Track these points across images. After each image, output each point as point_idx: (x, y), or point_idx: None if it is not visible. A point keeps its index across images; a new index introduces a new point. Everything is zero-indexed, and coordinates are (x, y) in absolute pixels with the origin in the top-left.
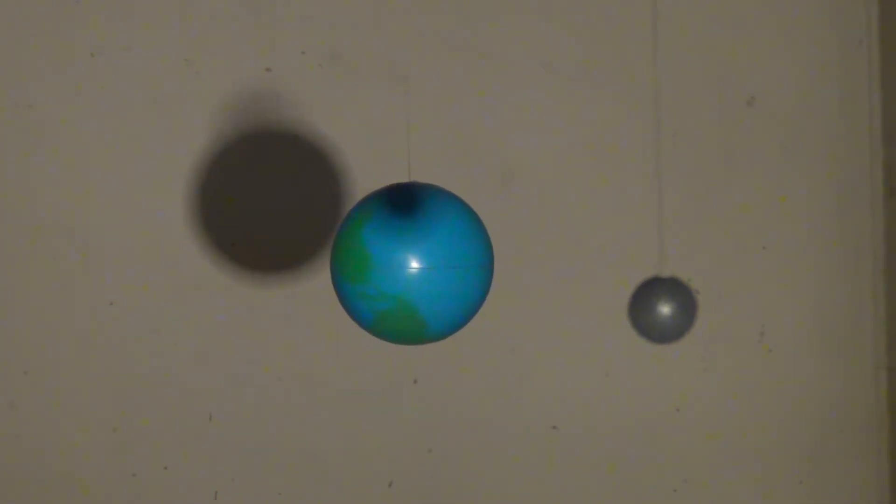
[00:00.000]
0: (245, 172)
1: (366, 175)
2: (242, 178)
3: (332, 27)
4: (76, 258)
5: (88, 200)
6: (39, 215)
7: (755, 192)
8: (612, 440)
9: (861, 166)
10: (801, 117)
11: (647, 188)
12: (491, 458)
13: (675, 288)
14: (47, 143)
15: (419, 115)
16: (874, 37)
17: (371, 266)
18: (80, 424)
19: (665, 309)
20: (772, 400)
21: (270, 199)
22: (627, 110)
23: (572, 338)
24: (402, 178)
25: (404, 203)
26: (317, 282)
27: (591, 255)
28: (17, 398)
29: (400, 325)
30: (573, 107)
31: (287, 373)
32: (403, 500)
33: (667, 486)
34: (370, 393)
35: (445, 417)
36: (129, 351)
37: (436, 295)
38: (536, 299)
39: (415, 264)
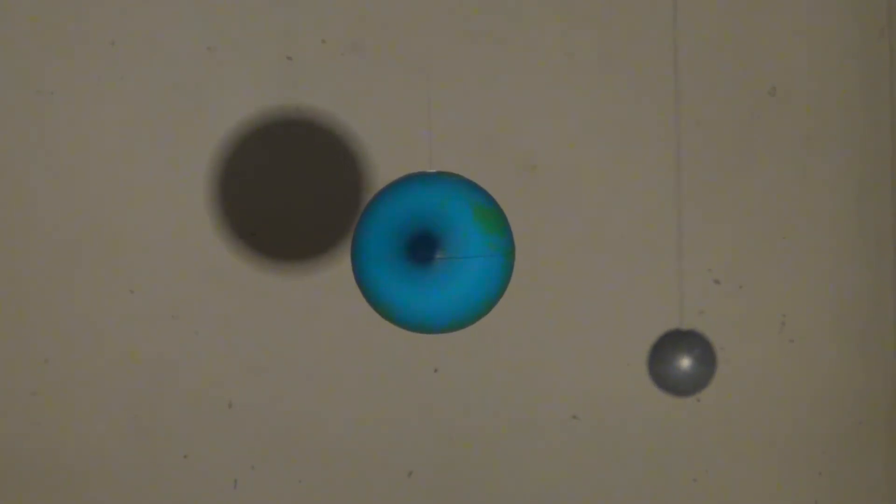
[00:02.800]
0: (266, 161)
1: (387, 164)
2: (263, 166)
3: (352, 16)
4: (97, 246)
5: (109, 189)
6: (60, 204)
7: (776, 183)
8: (633, 430)
9: (882, 157)
10: (822, 107)
11: (668, 177)
12: (511, 447)
13: (695, 341)
14: (68, 131)
15: (440, 104)
16: (895, 27)
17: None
18: (100, 412)
19: (685, 363)
20: (792, 390)
21: (291, 189)
22: (648, 100)
23: (592, 328)
24: (424, 167)
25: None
26: (337, 270)
27: (612, 245)
28: (38, 386)
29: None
30: (594, 96)
31: (307, 361)
32: (423, 490)
33: (686, 476)
34: (390, 382)
35: (466, 407)
36: (149, 339)
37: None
38: (556, 288)
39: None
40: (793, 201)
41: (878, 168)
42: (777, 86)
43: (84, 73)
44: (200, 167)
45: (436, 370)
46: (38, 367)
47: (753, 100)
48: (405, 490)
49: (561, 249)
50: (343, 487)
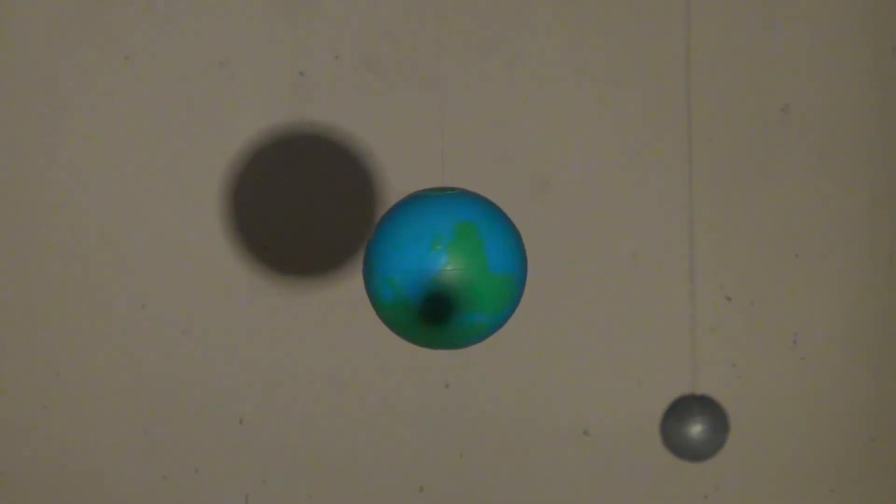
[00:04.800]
0: (278, 176)
1: (399, 180)
2: (275, 181)
3: (366, 31)
4: (109, 260)
5: (121, 203)
6: (72, 217)
7: (788, 200)
8: (644, 446)
9: (895, 174)
10: (835, 125)
11: (680, 194)
12: (522, 462)
13: (708, 408)
14: (80, 146)
15: (453, 119)
16: None
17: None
18: (111, 426)
19: (697, 428)
20: (803, 408)
21: (303, 203)
22: (660, 116)
23: (604, 344)
24: (437, 183)
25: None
26: (349, 286)
27: (624, 260)
28: (49, 400)
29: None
30: (606, 112)
31: (318, 376)
32: None
33: (698, 493)
34: (402, 397)
35: (477, 422)
36: (161, 353)
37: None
38: (568, 305)
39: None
40: (805, 218)
41: (891, 185)
42: (790, 103)
43: (97, 88)
44: (213, 182)
45: (447, 386)
46: (50, 381)
47: (766, 117)
48: None
49: (572, 265)
50: (354, 502)
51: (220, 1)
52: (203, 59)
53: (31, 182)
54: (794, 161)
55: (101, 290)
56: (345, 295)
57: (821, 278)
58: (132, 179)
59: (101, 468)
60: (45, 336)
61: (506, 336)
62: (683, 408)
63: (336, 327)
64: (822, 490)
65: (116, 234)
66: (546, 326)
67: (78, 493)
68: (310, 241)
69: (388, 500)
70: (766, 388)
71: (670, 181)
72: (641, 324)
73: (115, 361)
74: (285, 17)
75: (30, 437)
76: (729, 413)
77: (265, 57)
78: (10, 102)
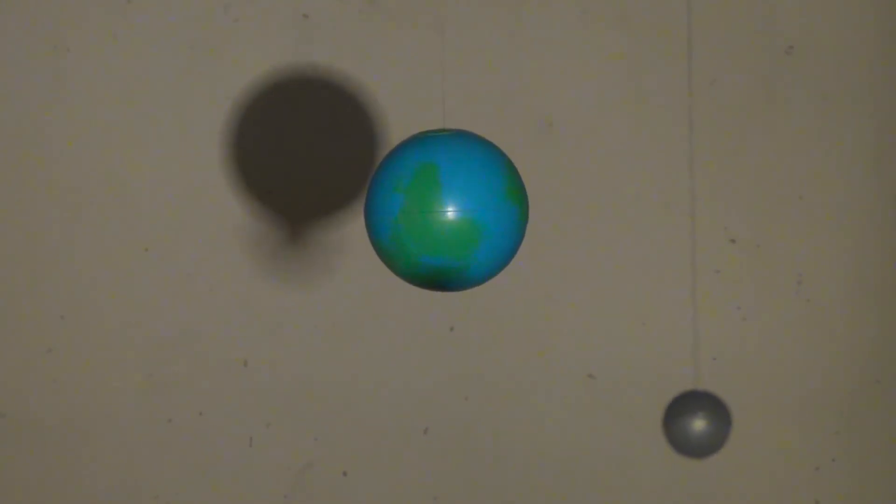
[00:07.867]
0: (281, 119)
1: (402, 122)
2: (279, 125)
3: None
4: (112, 204)
5: (124, 147)
6: (75, 161)
7: (793, 142)
8: (649, 388)
9: None
10: (840, 66)
11: (684, 136)
12: (527, 405)
13: (710, 403)
14: (83, 89)
15: (456, 60)
16: None
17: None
18: (115, 370)
19: (700, 424)
20: (808, 350)
21: (306, 147)
22: (663, 58)
23: (608, 287)
24: (438, 125)
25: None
26: (352, 229)
27: (628, 203)
28: (53, 343)
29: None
30: (609, 54)
31: (322, 319)
32: (439, 447)
33: None
34: (406, 340)
35: (482, 365)
36: (165, 297)
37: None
38: (572, 246)
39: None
40: (810, 161)
41: None
42: (794, 44)
43: (100, 31)
44: (216, 125)
45: (451, 329)
46: (54, 324)
47: (770, 58)
48: (421, 447)
49: (575, 207)
50: (358, 445)
51: None
52: (206, 1)
53: (34, 126)
54: (799, 101)
55: (104, 234)
56: (348, 237)
57: (826, 220)
58: (135, 123)
59: (105, 412)
60: (48, 280)
61: (509, 279)
62: (684, 406)
63: (340, 270)
64: (827, 432)
65: (119, 178)
66: (549, 269)
67: (82, 437)
68: (313, 183)
69: (393, 442)
70: (771, 331)
71: (674, 122)
72: (645, 266)
73: (118, 305)
74: None
75: (34, 380)
76: (733, 354)
77: None
78: (12, 45)
